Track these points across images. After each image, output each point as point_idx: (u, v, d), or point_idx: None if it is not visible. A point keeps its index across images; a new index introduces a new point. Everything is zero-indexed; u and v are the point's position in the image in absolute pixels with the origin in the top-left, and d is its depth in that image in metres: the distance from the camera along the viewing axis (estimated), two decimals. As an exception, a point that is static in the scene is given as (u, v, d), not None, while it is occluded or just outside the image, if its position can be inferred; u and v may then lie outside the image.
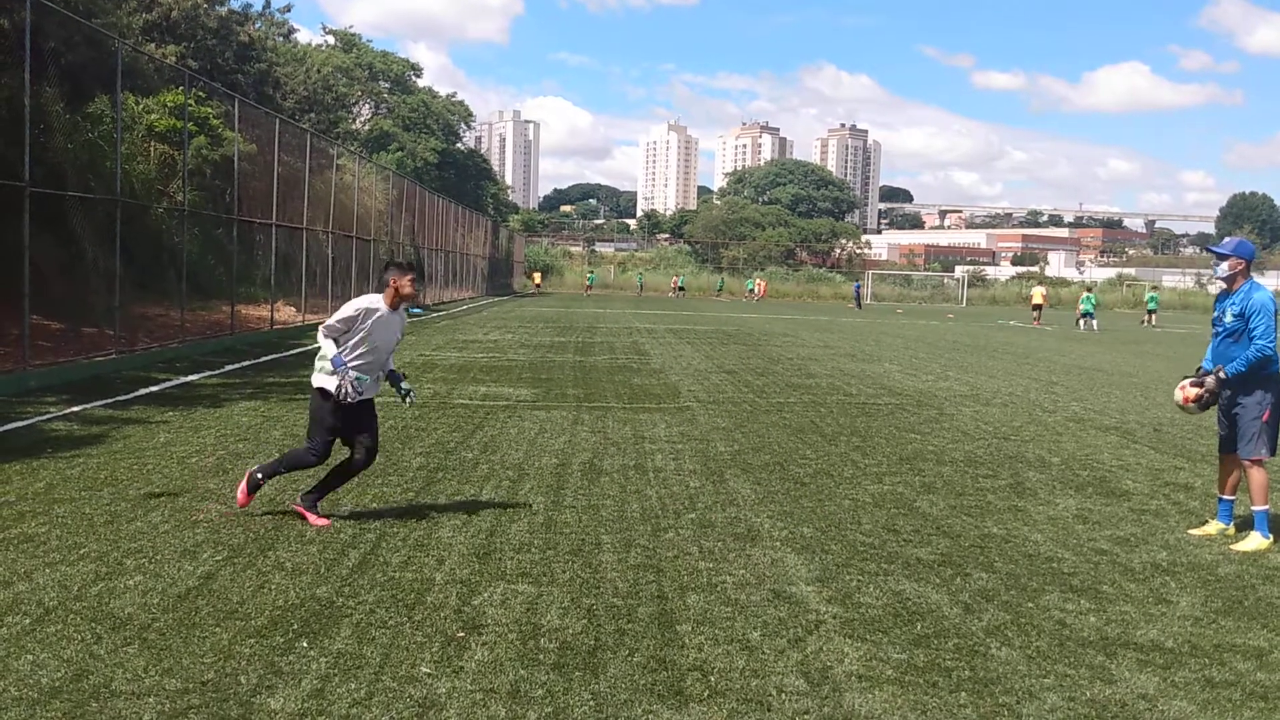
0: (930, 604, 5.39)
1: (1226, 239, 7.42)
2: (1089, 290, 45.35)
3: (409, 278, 6.59)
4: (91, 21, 17.23)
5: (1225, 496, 7.22)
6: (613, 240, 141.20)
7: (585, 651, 4.56)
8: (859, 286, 66.59)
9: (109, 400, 11.21)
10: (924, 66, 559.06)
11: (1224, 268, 7.09)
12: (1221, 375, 6.98)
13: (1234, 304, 7.00)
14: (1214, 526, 7.18)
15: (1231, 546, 6.81)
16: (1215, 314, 7.22)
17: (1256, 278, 7.21)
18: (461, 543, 6.19)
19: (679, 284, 71.93)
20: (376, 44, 69.79)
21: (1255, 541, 6.81)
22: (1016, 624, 5.14)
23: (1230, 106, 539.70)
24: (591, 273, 78.40)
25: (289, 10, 44.73)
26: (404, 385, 6.91)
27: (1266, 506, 6.93)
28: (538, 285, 70.12)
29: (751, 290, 70.63)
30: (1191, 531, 7.18)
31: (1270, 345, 6.82)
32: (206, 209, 21.60)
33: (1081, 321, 40.34)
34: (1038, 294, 47.24)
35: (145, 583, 5.23)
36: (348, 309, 6.50)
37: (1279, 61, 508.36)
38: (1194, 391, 7.16)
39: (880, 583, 5.73)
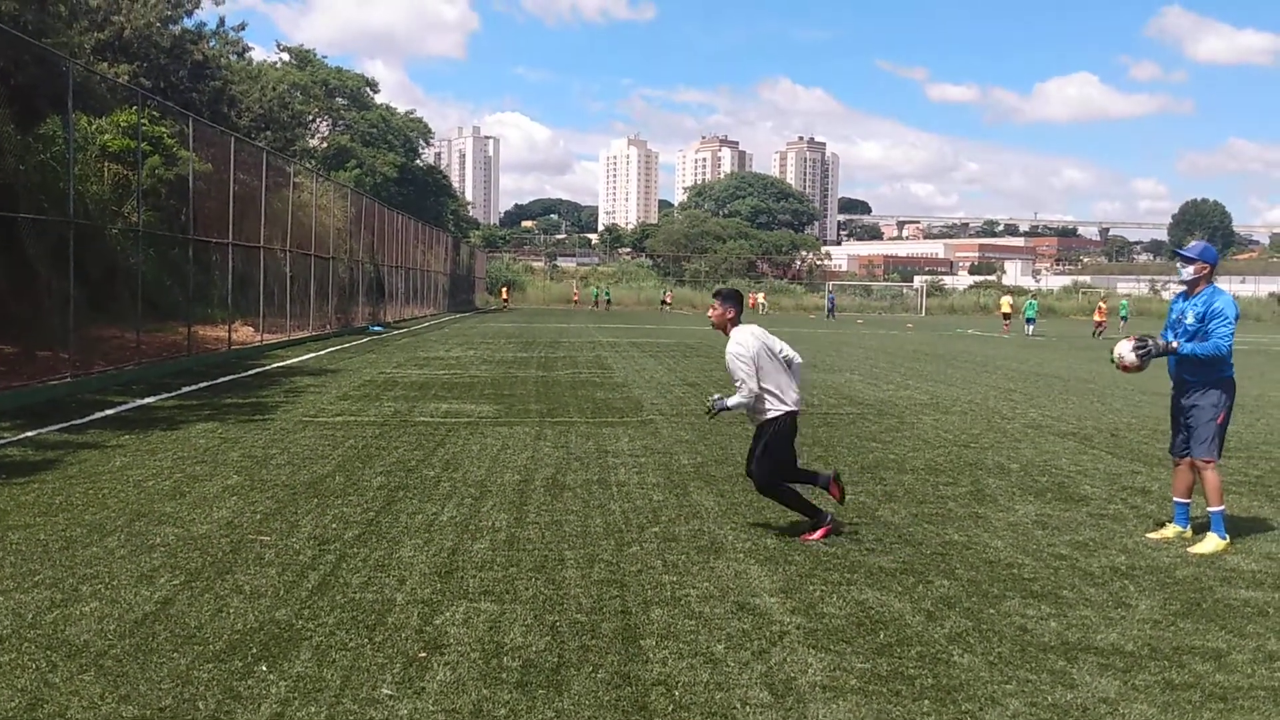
0: (893, 612, 5.42)
1: (1193, 243, 7.51)
2: (1032, 298, 49.91)
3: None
4: (41, 41, 17.03)
5: (1181, 500, 7.30)
6: (574, 255, 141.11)
7: (549, 669, 4.53)
8: (832, 297, 68.21)
9: (64, 425, 11.04)
10: (879, 79, 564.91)
11: (1189, 271, 7.17)
12: (1174, 347, 7.07)
13: (1195, 306, 7.08)
14: (1171, 530, 7.26)
15: (1189, 549, 6.89)
16: (1173, 315, 7.29)
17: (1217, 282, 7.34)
18: (423, 562, 6.15)
19: (667, 299, 73.69)
20: (332, 61, 69.43)
21: (1212, 543, 6.90)
22: (978, 630, 5.17)
23: (1180, 115, 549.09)
24: (606, 288, 78.81)
25: (243, 29, 44.51)
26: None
27: (1222, 507, 7.02)
28: (505, 300, 70.53)
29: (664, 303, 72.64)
30: (1149, 535, 7.26)
31: (1227, 346, 6.93)
32: (162, 229, 21.37)
33: (1028, 327, 43.84)
34: (1005, 303, 50.52)
35: (101, 609, 5.15)
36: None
37: (1226, 70, 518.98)
38: (1130, 346, 7.24)
39: (843, 592, 5.74)
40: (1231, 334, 6.97)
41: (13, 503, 7.35)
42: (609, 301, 74.22)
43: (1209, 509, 7.02)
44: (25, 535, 6.50)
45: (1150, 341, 7.20)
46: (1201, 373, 7.06)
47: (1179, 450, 7.29)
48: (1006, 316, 49.00)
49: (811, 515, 7.04)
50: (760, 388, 6.86)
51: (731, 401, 6.93)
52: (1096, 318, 45.23)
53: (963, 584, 5.97)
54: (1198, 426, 7.08)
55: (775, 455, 7.00)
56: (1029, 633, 5.16)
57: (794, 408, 7.00)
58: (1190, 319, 7.09)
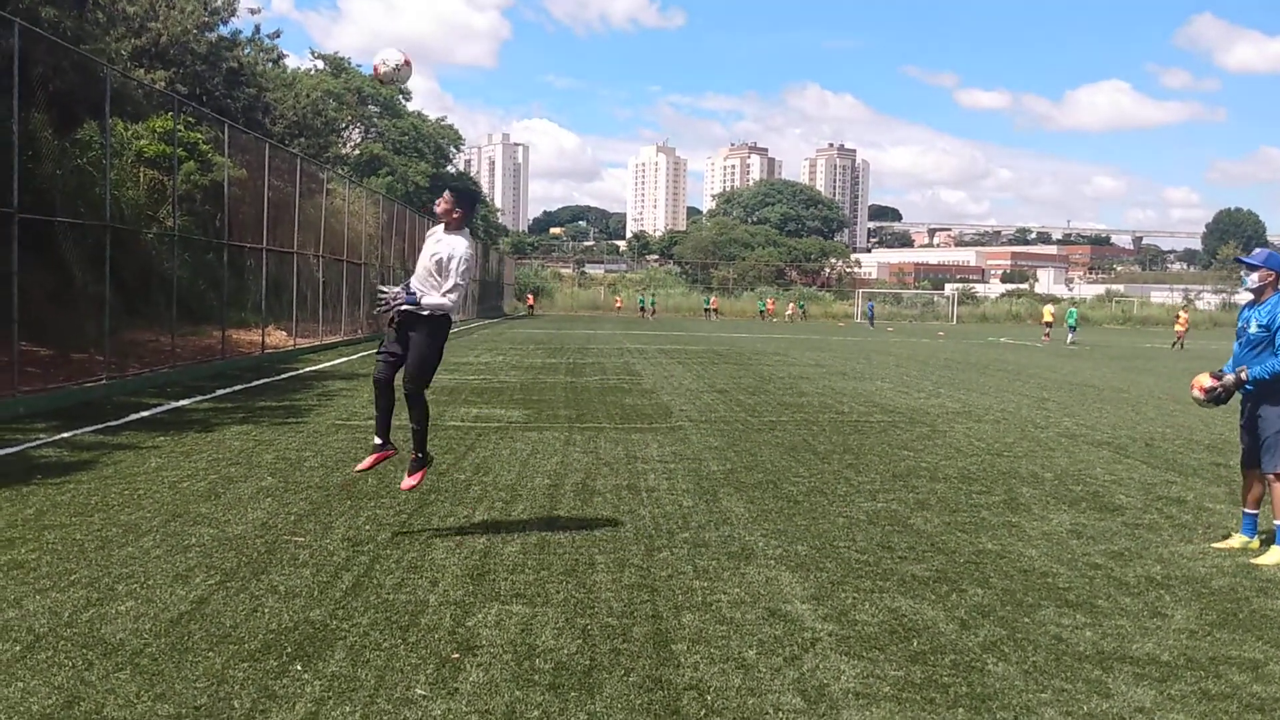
0: (926, 620, 5.38)
1: (1257, 250, 7.46)
2: (1073, 306, 49.26)
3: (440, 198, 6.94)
4: (80, 48, 17.26)
5: (1248, 510, 7.23)
6: (603, 262, 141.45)
7: (580, 672, 4.54)
8: (872, 305, 68.05)
9: (99, 426, 11.17)
10: (907, 86, 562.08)
11: (1254, 279, 7.09)
12: (1243, 376, 6.99)
13: (1260, 315, 7.01)
14: (1237, 540, 7.18)
15: (1252, 560, 6.81)
16: (1240, 323, 7.25)
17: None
18: (455, 564, 6.17)
19: (712, 306, 73.88)
20: (365, 68, 69.84)
21: (1276, 555, 6.80)
22: (1013, 639, 5.13)
23: (1213, 124, 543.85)
24: (651, 296, 79.13)
25: (278, 36, 44.78)
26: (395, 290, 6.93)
27: None
28: (530, 306, 70.82)
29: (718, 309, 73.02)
30: (1214, 545, 7.18)
31: None
32: (196, 234, 21.58)
33: (1070, 335, 43.90)
34: (1047, 312, 50.45)
35: (137, 608, 5.20)
36: None
37: (1259, 79, 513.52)
38: (1209, 382, 7.19)
39: (875, 600, 5.71)
40: None
41: (49, 503, 7.44)
42: (710, 310, 74.30)
43: (1275, 521, 6.93)
44: (61, 535, 6.57)
45: (1221, 390, 7.14)
46: (1267, 382, 6.95)
47: (1248, 460, 7.21)
48: (1049, 325, 48.75)
49: (381, 436, 7.06)
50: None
51: (428, 300, 6.73)
52: (1177, 327, 42.92)
53: (997, 593, 5.93)
54: (1265, 437, 6.97)
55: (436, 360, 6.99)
56: (1064, 642, 5.12)
57: None
58: (1254, 327, 7.03)
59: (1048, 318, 49.73)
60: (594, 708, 4.17)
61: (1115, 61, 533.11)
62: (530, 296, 74.09)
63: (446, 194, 6.92)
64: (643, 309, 74.11)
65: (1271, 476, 6.95)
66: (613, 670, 4.56)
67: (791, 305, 77.00)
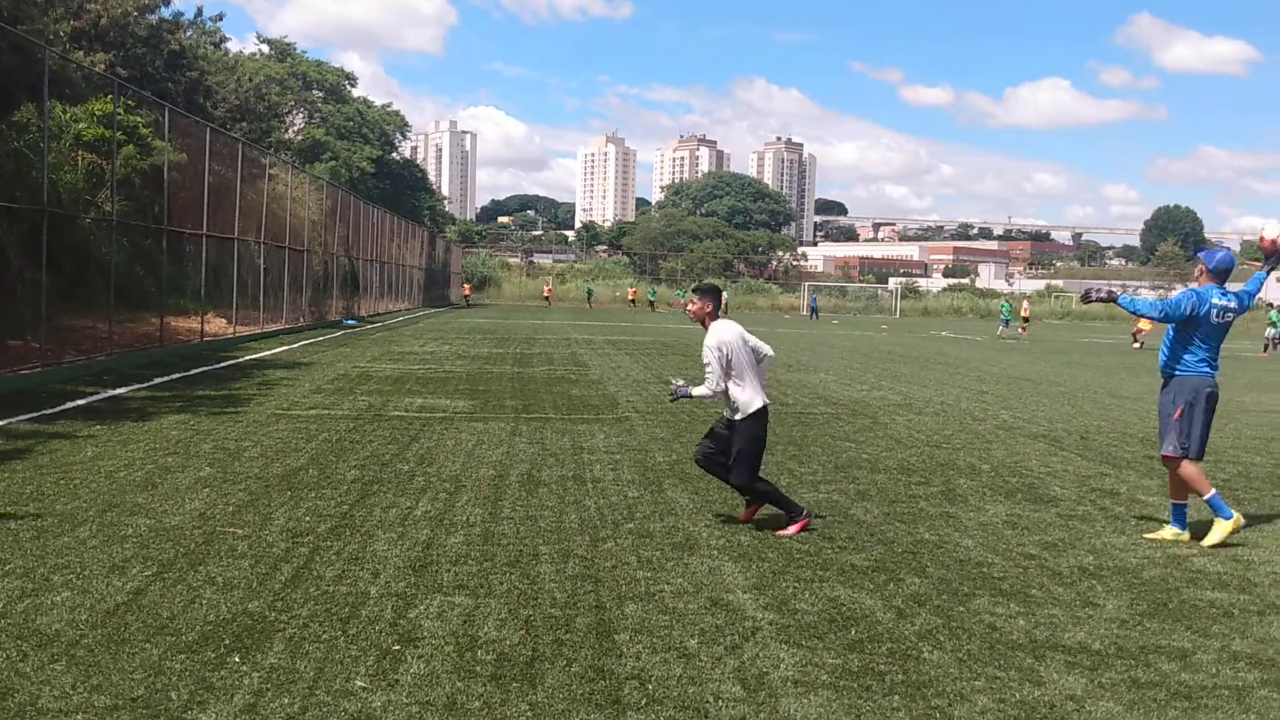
0: (864, 609, 5.47)
1: (1209, 249, 8.01)
2: (1006, 299, 52.61)
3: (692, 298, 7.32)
4: (16, 28, 16.86)
5: (1176, 502, 7.46)
6: (551, 251, 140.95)
7: (523, 663, 4.55)
8: (815, 300, 68.71)
9: (34, 414, 10.95)
10: (854, 81, 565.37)
11: (1196, 270, 7.59)
12: (1116, 294, 7.69)
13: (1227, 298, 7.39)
14: (1168, 531, 7.40)
15: (1203, 543, 7.10)
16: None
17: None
18: (397, 556, 6.15)
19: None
20: (309, 53, 68.64)
21: (1220, 530, 7.11)
22: (948, 628, 5.23)
23: (1153, 122, 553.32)
24: (589, 286, 78.00)
25: (221, 19, 44.11)
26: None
27: (1213, 491, 7.22)
28: (466, 296, 69.46)
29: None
30: (1146, 535, 7.40)
31: (1156, 310, 7.40)
32: (135, 219, 21.16)
33: (1001, 328, 45.39)
34: (1024, 307, 51.37)
35: (73, 599, 5.12)
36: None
37: (1197, 78, 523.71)
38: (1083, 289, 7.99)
39: (815, 589, 5.79)
40: (1161, 310, 7.34)
41: (-18, 492, 7.29)
42: (651, 302, 71.50)
43: (1202, 499, 7.20)
44: (-5, 525, 6.45)
45: (1094, 290, 7.86)
46: (1162, 369, 7.43)
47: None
48: (1026, 320, 48.98)
49: (790, 510, 7.09)
50: (733, 382, 6.97)
51: (696, 391, 7.09)
52: (1144, 325, 37.26)
53: (933, 582, 6.03)
54: (1160, 423, 7.41)
55: (756, 451, 7.12)
56: (998, 630, 5.22)
57: (766, 402, 7.14)
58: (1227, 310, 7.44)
59: (1025, 314, 49.48)
60: (536, 698, 4.18)
61: (1056, 59, 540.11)
62: (467, 286, 72.34)
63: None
64: (589, 298, 73.53)
65: (1163, 459, 7.37)
66: (555, 661, 4.58)
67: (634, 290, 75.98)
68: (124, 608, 5.03)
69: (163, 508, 7.09)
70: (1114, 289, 7.62)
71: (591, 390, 15.62)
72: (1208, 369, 7.28)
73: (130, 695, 4.05)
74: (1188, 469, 7.23)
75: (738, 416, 7.06)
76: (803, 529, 7.01)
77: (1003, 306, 48.89)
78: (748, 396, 7.03)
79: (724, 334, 7.04)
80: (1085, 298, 7.93)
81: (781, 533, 6.96)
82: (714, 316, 7.21)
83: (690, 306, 7.29)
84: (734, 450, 7.07)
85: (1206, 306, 7.18)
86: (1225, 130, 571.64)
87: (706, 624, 5.13)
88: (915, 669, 4.65)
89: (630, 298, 74.24)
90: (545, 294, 74.33)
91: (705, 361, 7.03)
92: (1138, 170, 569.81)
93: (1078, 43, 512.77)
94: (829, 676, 4.52)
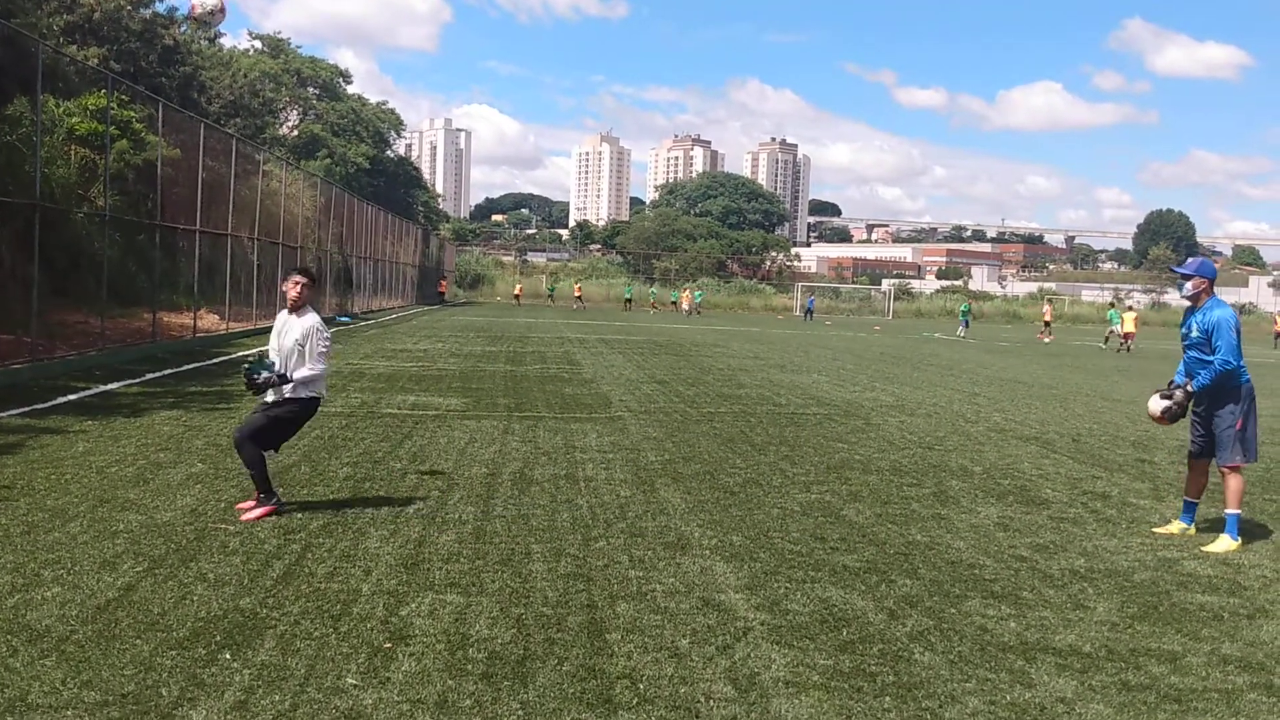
0: (856, 610, 5.47)
1: (1189, 259, 7.91)
2: (968, 300, 53.74)
3: (290, 280, 7.18)
4: (10, 21, 16.80)
5: (1190, 499, 7.62)
6: (545, 250, 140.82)
7: (514, 661, 4.55)
8: (812, 301, 68.02)
9: (25, 409, 10.91)
10: (847, 82, 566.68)
11: (1188, 287, 7.54)
12: (1190, 389, 7.42)
13: (1199, 320, 7.42)
14: (1176, 526, 7.61)
15: (1202, 548, 7.16)
16: (1183, 329, 7.64)
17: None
18: (389, 553, 6.14)
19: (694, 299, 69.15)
20: (304, 50, 68.01)
21: (1225, 544, 7.20)
22: (939, 629, 5.23)
23: (1145, 126, 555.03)
24: (564, 282, 76.92)
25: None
26: (265, 373, 7.00)
27: (1239, 511, 7.34)
28: (441, 292, 67.87)
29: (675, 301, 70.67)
30: (1155, 530, 7.59)
31: (1231, 359, 7.24)
32: (128, 214, 21.12)
33: (961, 329, 46.05)
34: (1046, 310, 51.02)
35: (63, 594, 5.11)
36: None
37: (1189, 82, 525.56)
38: (1160, 406, 7.55)
39: (807, 590, 5.79)
40: (1233, 345, 7.26)
41: (-28, 487, 7.27)
42: (629, 301, 68.65)
43: (1226, 511, 7.34)
44: (-15, 519, 6.43)
45: (1175, 406, 7.50)
46: (1212, 386, 7.36)
47: (1198, 452, 7.58)
48: (1048, 324, 47.96)
49: (266, 491, 6.98)
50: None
51: (299, 374, 7.01)
52: (1129, 328, 37.59)
53: (925, 584, 6.04)
54: (1219, 435, 7.38)
55: (285, 430, 7.16)
56: (989, 632, 5.23)
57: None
58: (1195, 331, 7.44)
59: (1047, 316, 48.96)
60: (527, 696, 4.18)
61: (1049, 62, 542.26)
62: (443, 282, 69.62)
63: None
64: (579, 298, 72.52)
65: (1226, 470, 7.35)
66: (546, 659, 4.58)
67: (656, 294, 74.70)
68: (115, 603, 5.02)
69: (154, 503, 7.07)
70: (1186, 388, 7.45)
71: (584, 389, 15.62)
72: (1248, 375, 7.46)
73: (120, 691, 4.04)
74: (1242, 480, 7.39)
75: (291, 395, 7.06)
76: (268, 515, 6.87)
77: (962, 308, 48.90)
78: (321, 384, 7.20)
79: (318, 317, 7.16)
80: (1173, 418, 7.55)
81: (248, 516, 6.81)
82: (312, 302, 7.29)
83: (291, 289, 7.14)
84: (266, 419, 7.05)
85: (1238, 317, 7.40)
86: (1217, 134, 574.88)
87: (698, 624, 5.14)
88: (906, 670, 4.66)
89: (576, 294, 71.26)
90: (516, 294, 72.55)
91: (317, 344, 7.03)
92: (1130, 174, 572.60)
93: (1070, 46, 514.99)
94: (820, 677, 4.53)
